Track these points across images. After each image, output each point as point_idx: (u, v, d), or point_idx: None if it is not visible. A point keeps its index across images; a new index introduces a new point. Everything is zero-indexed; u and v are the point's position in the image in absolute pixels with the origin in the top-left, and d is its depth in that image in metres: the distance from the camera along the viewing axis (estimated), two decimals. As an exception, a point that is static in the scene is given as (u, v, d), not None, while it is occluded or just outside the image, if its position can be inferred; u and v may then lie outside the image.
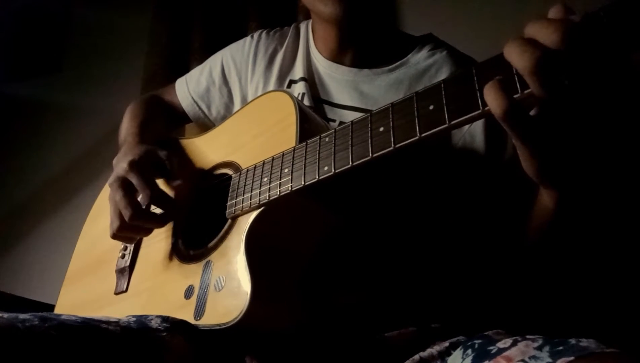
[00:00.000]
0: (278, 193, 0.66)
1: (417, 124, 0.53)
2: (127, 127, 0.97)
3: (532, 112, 0.46)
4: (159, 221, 0.79)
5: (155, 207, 0.80)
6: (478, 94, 0.48)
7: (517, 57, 0.43)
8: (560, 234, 0.63)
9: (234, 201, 0.73)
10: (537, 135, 0.47)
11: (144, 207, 0.77)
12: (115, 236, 0.79)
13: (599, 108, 0.44)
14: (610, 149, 0.50)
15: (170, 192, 0.84)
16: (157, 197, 0.77)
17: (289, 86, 0.91)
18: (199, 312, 0.67)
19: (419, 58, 0.85)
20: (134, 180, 0.77)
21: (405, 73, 0.84)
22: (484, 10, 1.33)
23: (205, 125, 1.03)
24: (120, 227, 0.77)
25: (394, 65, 0.85)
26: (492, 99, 0.45)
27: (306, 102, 0.86)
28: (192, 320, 0.67)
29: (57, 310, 0.96)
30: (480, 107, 0.47)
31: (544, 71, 0.42)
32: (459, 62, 0.83)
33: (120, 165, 0.79)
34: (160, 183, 0.85)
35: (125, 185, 0.77)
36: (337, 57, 0.88)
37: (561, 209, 0.58)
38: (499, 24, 1.24)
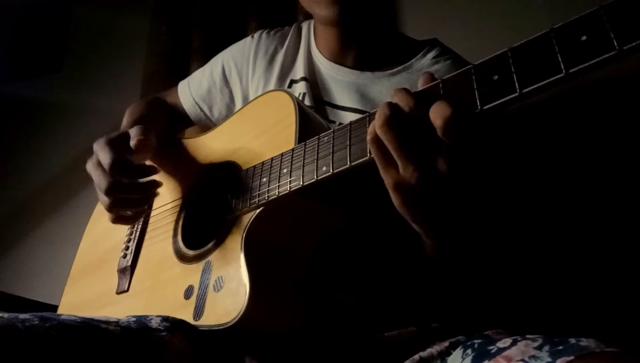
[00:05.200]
0: (277, 193, 0.66)
1: None
2: (124, 125, 0.97)
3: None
4: (138, 171, 0.77)
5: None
6: (476, 94, 0.48)
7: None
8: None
9: (233, 201, 0.73)
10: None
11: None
12: (111, 208, 0.77)
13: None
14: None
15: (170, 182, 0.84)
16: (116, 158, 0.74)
17: (289, 86, 0.91)
18: (198, 312, 0.67)
19: (422, 64, 0.84)
20: (99, 147, 0.76)
21: (407, 78, 0.83)
22: (484, 10, 1.33)
23: (207, 126, 1.03)
24: (109, 193, 0.75)
25: (396, 69, 0.85)
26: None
27: (307, 102, 0.86)
28: (191, 321, 0.67)
29: (60, 309, 0.96)
30: (479, 107, 0.47)
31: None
32: None
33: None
34: (166, 180, 0.85)
35: (98, 159, 0.76)
36: (338, 58, 0.88)
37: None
38: (499, 24, 1.24)
